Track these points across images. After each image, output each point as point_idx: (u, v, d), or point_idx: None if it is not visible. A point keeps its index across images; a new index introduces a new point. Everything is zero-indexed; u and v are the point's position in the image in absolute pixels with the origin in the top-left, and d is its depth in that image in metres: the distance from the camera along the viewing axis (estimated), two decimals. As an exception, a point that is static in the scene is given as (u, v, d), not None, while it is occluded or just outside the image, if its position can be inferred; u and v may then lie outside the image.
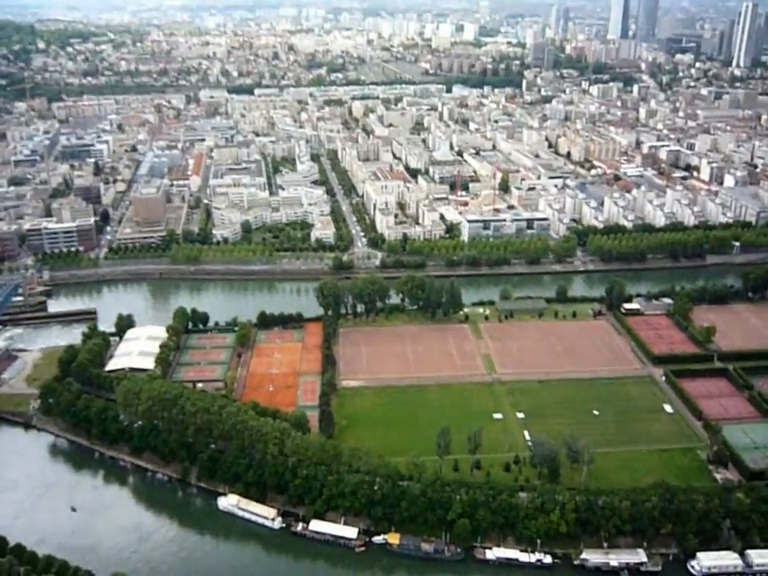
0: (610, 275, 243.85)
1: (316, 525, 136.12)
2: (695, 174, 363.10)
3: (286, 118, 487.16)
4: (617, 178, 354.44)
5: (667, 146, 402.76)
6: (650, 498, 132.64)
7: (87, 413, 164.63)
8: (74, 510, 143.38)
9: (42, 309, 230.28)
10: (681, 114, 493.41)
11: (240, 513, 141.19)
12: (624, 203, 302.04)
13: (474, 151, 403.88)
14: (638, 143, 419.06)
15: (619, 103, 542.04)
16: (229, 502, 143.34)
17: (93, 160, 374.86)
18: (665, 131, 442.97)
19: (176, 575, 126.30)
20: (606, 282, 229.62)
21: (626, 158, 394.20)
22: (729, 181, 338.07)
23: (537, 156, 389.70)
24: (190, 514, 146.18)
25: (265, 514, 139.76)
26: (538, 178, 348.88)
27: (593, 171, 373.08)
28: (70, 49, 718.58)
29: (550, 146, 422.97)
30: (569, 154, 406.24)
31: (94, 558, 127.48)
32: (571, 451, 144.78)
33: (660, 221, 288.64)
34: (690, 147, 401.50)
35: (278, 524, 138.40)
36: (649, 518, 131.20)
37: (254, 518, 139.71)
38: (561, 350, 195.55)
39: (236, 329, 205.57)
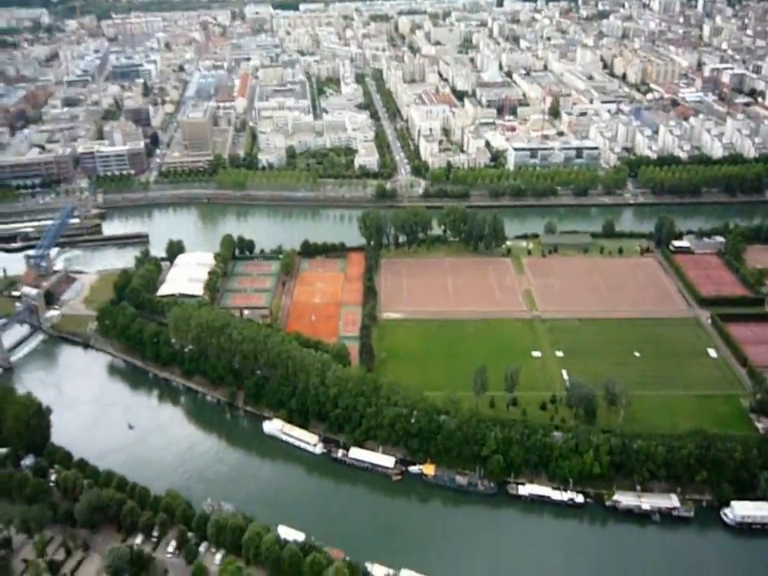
0: (661, 209, 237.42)
1: (355, 452, 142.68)
2: (759, 100, 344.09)
3: (331, 36, 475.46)
4: (674, 103, 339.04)
5: (731, 68, 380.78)
6: (686, 445, 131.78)
7: (141, 336, 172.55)
8: (131, 427, 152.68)
9: (97, 231, 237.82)
10: (749, 31, 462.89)
11: (284, 437, 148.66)
12: (680, 132, 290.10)
13: (524, 72, 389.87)
14: (700, 65, 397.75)
15: (681, 20, 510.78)
16: (274, 426, 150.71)
17: (141, 80, 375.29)
18: (729, 51, 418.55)
19: (224, 493, 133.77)
20: (656, 217, 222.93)
21: (685, 81, 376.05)
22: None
23: (590, 78, 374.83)
24: (237, 436, 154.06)
25: (307, 440, 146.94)
26: (591, 102, 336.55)
27: (649, 95, 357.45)
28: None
29: (604, 66, 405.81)
30: (624, 75, 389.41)
31: (149, 474, 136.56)
32: (609, 393, 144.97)
33: (718, 152, 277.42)
34: (757, 70, 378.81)
35: (319, 449, 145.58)
36: (684, 464, 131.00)
37: (297, 442, 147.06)
38: (604, 288, 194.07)
39: (281, 257, 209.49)
